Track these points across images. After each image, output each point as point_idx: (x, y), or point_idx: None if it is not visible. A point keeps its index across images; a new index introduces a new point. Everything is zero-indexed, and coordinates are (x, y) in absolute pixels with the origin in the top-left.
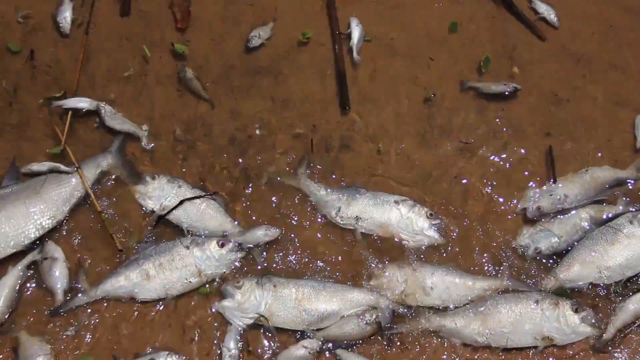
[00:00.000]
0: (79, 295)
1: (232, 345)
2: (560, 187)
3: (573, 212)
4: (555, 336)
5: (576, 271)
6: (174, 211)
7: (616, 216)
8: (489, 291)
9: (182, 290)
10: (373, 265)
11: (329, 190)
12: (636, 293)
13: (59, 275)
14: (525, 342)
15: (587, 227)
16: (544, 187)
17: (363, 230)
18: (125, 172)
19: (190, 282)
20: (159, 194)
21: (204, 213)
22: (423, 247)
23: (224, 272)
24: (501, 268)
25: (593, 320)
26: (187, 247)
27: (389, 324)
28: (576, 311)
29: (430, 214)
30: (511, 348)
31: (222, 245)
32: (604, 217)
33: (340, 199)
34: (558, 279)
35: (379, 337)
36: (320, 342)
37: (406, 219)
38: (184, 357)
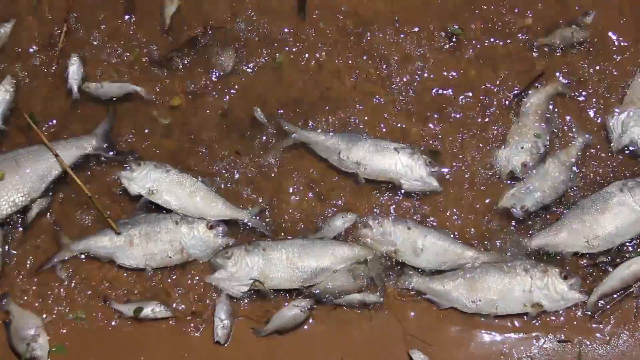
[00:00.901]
0: (61, 250)
1: (223, 315)
2: (523, 139)
3: (545, 164)
4: (545, 303)
5: (562, 238)
6: (164, 196)
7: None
8: (477, 262)
9: (161, 263)
10: (369, 219)
11: (328, 135)
12: (625, 260)
13: None
14: (515, 309)
15: (565, 176)
16: (511, 147)
17: (364, 176)
18: (112, 154)
19: (170, 257)
20: (145, 179)
21: (193, 195)
22: (420, 193)
23: (205, 256)
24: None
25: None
26: (176, 223)
27: (380, 275)
28: (565, 278)
29: (430, 162)
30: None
31: (212, 228)
32: (573, 159)
33: (340, 144)
34: (544, 241)
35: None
36: (311, 301)
37: (406, 167)
38: (168, 310)
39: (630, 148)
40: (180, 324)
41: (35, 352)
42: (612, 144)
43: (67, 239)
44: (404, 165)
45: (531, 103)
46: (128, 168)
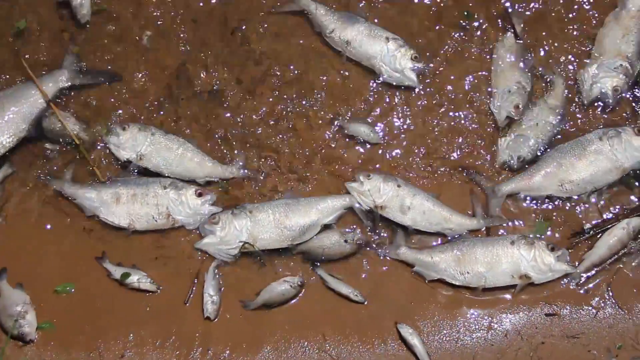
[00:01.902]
0: (58, 180)
1: (212, 291)
2: (505, 83)
3: (534, 110)
4: (533, 274)
5: (537, 181)
6: (152, 159)
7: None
8: (462, 228)
9: (146, 226)
10: (359, 173)
11: (327, 10)
12: (610, 228)
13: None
14: (503, 281)
15: (552, 119)
16: (496, 94)
17: (349, 56)
18: (92, 79)
19: (155, 221)
20: (132, 143)
21: (182, 157)
22: (397, 84)
23: (192, 223)
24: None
25: (568, 259)
26: (165, 187)
27: (371, 218)
28: (552, 250)
29: (415, 57)
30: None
31: (200, 195)
32: (559, 101)
33: (336, 22)
34: (518, 185)
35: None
36: (303, 279)
37: (391, 56)
38: (153, 284)
39: (601, 100)
40: (169, 299)
41: (23, 329)
42: (583, 97)
43: (70, 176)
44: (389, 54)
45: (499, 52)
46: (113, 133)
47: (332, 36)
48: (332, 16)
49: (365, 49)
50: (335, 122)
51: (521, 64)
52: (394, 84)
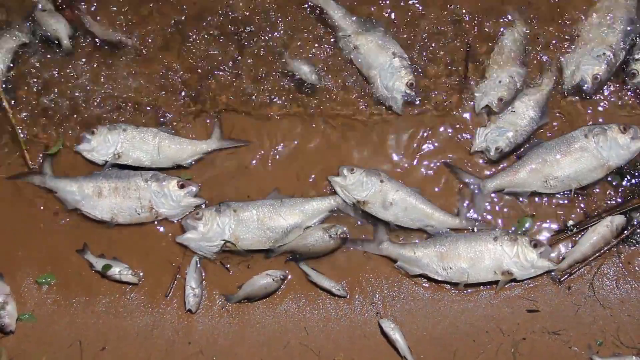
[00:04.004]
0: (37, 175)
1: (194, 284)
2: (498, 73)
3: (515, 103)
4: (515, 270)
5: (522, 177)
6: (132, 155)
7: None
8: (444, 225)
9: (129, 220)
10: (343, 167)
11: (347, 14)
12: (594, 225)
13: (58, 22)
14: (485, 277)
15: (533, 114)
16: (484, 83)
17: (352, 57)
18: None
19: (138, 214)
20: (105, 145)
21: (160, 145)
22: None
23: (175, 215)
24: (459, 207)
25: (551, 255)
26: (147, 180)
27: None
28: (534, 246)
29: (411, 84)
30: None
31: (182, 187)
32: (543, 97)
33: (353, 27)
34: (503, 181)
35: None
36: (285, 272)
37: (389, 72)
38: (135, 277)
39: (582, 86)
40: (151, 291)
41: (3, 320)
42: (564, 84)
43: (49, 169)
44: (389, 69)
45: (506, 42)
46: (83, 140)
47: (346, 40)
48: (350, 20)
49: (369, 59)
50: (282, 52)
51: (519, 60)
52: (379, 99)
